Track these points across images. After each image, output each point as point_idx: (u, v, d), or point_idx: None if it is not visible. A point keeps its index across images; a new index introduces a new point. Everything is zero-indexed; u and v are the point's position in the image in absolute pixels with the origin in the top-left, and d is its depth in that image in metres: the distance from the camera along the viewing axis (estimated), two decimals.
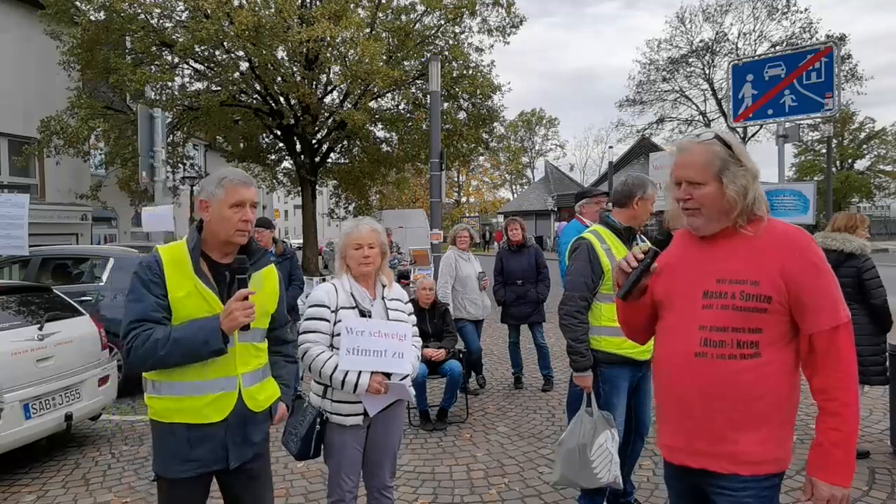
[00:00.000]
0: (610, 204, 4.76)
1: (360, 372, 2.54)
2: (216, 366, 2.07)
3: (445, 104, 17.35)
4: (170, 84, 16.29)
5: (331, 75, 18.05)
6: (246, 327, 2.03)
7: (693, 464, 1.76)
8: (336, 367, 2.54)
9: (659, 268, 1.83)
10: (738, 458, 1.67)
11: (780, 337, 1.67)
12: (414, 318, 2.85)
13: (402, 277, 11.80)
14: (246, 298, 1.99)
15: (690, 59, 35.44)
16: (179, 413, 2.08)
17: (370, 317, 2.64)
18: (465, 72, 17.87)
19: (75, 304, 5.12)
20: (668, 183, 1.83)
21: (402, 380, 2.64)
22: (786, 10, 32.59)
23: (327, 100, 18.73)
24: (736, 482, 1.68)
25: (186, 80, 17.94)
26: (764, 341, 1.65)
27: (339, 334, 2.58)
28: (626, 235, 3.15)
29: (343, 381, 2.53)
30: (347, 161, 21.54)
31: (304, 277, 6.92)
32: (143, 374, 2.14)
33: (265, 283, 2.25)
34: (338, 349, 2.58)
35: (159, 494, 2.20)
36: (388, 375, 2.61)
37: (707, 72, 35.16)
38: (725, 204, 1.69)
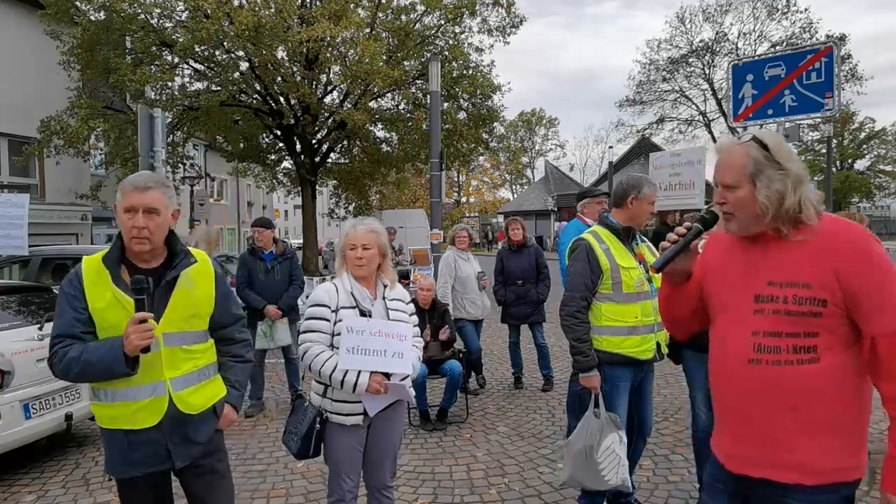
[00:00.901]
0: (607, 204, 4.80)
1: (359, 372, 2.54)
2: (143, 372, 2.05)
3: (445, 104, 17.34)
4: (170, 84, 16.28)
5: (331, 75, 18.05)
6: (146, 349, 1.97)
7: (754, 473, 1.67)
8: (336, 367, 2.54)
9: (707, 269, 1.76)
10: (802, 467, 1.59)
11: (839, 341, 1.58)
12: (416, 319, 2.85)
13: (403, 277, 11.80)
14: (144, 321, 1.94)
15: (690, 59, 35.45)
16: (115, 419, 2.11)
17: (370, 317, 2.64)
18: (465, 72, 17.86)
19: None
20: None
21: (402, 380, 2.64)
22: (786, 10, 32.62)
23: (327, 100, 18.72)
24: (801, 493, 1.59)
25: (186, 80, 17.94)
26: (822, 346, 1.57)
27: (339, 334, 2.58)
28: (625, 235, 3.15)
29: (343, 381, 2.53)
30: (347, 161, 21.54)
31: (304, 277, 6.93)
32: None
33: (197, 283, 2.19)
34: (338, 349, 2.58)
35: (118, 491, 2.27)
36: (387, 376, 2.60)
37: (707, 72, 35.18)
38: (757, 209, 1.61)
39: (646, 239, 3.39)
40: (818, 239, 1.60)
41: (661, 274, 1.83)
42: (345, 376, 2.52)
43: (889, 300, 1.53)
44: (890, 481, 1.53)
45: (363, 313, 2.64)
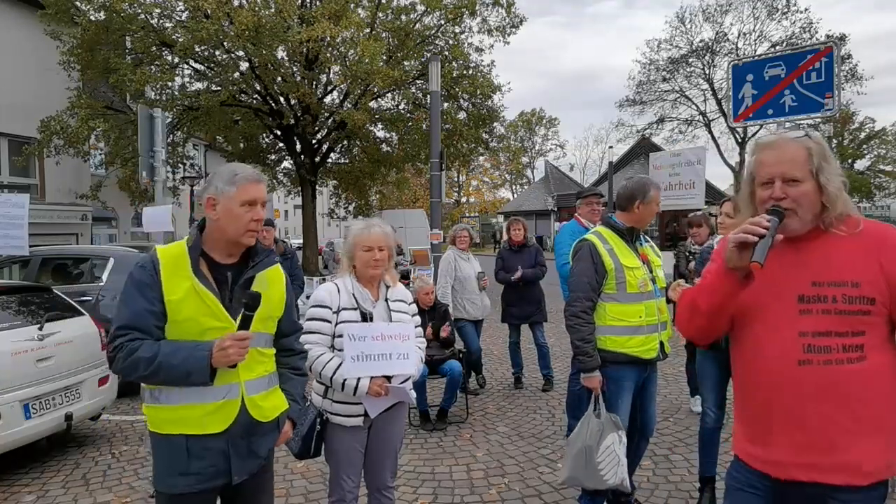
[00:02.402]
0: (603, 202, 4.80)
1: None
2: (220, 372, 1.94)
3: (445, 104, 17.35)
4: (170, 84, 16.29)
5: (331, 75, 18.06)
6: (233, 366, 1.91)
7: (804, 477, 1.63)
8: (336, 370, 2.53)
9: None
10: (854, 467, 1.58)
11: (883, 338, 1.61)
12: (418, 319, 2.84)
13: (403, 277, 11.80)
14: (246, 339, 1.88)
15: (690, 59, 35.40)
16: (178, 423, 1.95)
17: (371, 319, 2.63)
18: (465, 72, 17.88)
19: (75, 305, 5.11)
20: (745, 185, 1.73)
21: (403, 382, 2.64)
22: (786, 10, 32.55)
23: (327, 100, 18.73)
24: (849, 493, 1.60)
25: (186, 80, 17.96)
26: (868, 344, 1.58)
27: (339, 336, 2.58)
28: (629, 236, 3.16)
29: (343, 384, 2.52)
30: (347, 161, 21.55)
31: (304, 278, 6.92)
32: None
33: (271, 285, 2.12)
34: (339, 350, 2.58)
35: None
36: (388, 378, 2.60)
37: (707, 72, 35.12)
38: (821, 203, 1.61)
39: (650, 239, 3.39)
40: (862, 238, 1.61)
41: (739, 273, 1.67)
42: (346, 379, 2.52)
43: None
44: None
45: (364, 315, 2.63)
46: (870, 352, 1.58)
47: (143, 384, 2.04)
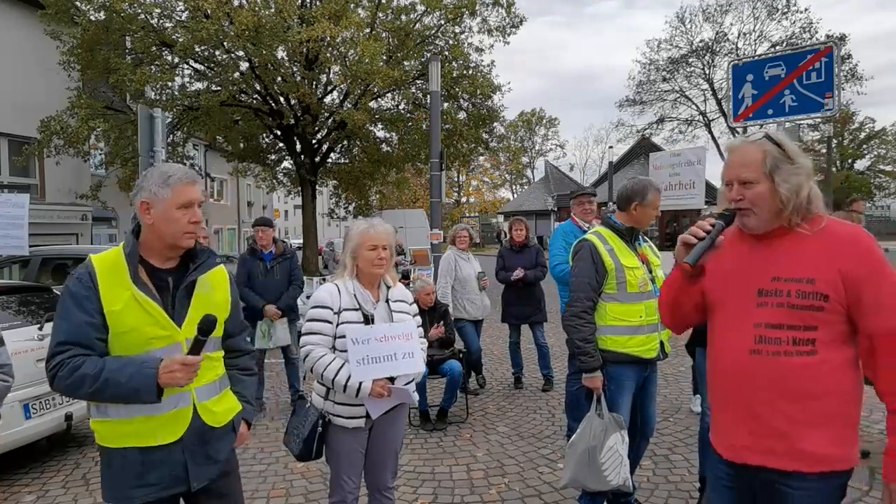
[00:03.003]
0: (594, 202, 4.79)
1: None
2: None
3: (445, 104, 17.34)
4: (170, 84, 16.27)
5: (331, 75, 18.05)
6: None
7: (753, 461, 1.74)
8: (338, 371, 2.52)
9: (712, 265, 1.80)
10: (801, 455, 1.66)
11: (837, 335, 1.66)
12: (419, 319, 2.84)
13: (403, 278, 11.80)
14: (195, 364, 1.82)
15: (690, 59, 35.39)
16: (130, 437, 1.89)
17: (373, 321, 2.62)
18: (465, 72, 17.87)
19: None
20: (720, 186, 1.82)
21: (407, 384, 2.63)
22: (786, 10, 32.55)
23: (327, 100, 18.72)
24: (799, 479, 1.67)
25: (186, 80, 17.94)
26: (821, 339, 1.64)
27: (341, 336, 2.57)
28: (629, 236, 3.17)
29: (346, 386, 2.51)
30: (347, 161, 21.54)
31: (304, 278, 6.92)
32: None
33: (214, 287, 2.07)
34: (340, 351, 2.57)
35: None
36: (391, 379, 2.59)
37: (707, 72, 35.12)
38: (778, 203, 1.68)
39: (648, 239, 3.40)
40: (824, 238, 1.68)
41: (688, 269, 1.82)
42: (348, 381, 2.51)
43: (888, 301, 1.61)
44: (890, 473, 1.61)
45: (366, 316, 2.62)
46: (821, 347, 1.64)
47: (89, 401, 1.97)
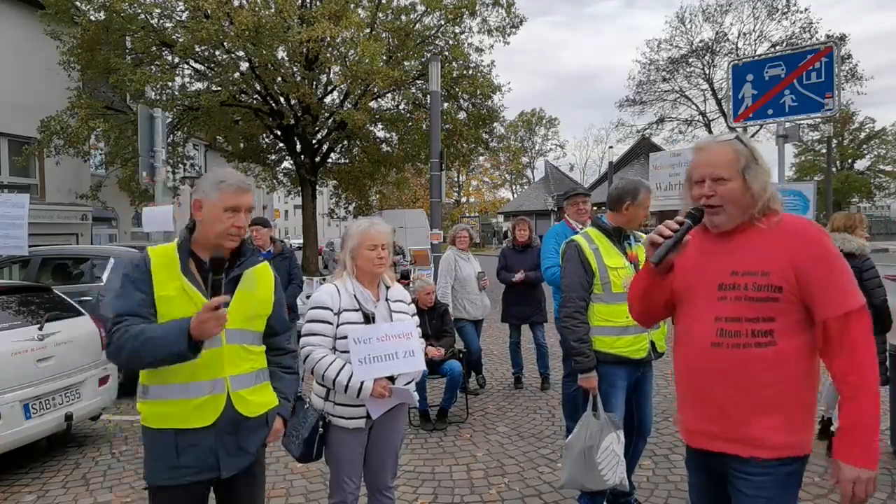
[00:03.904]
0: (588, 203, 4.78)
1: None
2: (204, 368, 2.01)
3: (445, 104, 17.35)
4: (170, 84, 16.28)
5: (331, 75, 18.07)
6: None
7: (712, 448, 1.82)
8: (339, 372, 2.52)
9: (678, 264, 1.87)
10: (757, 442, 1.73)
11: (794, 325, 1.73)
12: (417, 319, 2.84)
13: (403, 278, 11.79)
14: (218, 307, 1.87)
15: (690, 59, 35.40)
16: (167, 418, 2.02)
17: (374, 319, 2.62)
18: (465, 72, 17.88)
19: (75, 304, 5.11)
20: (685, 184, 1.89)
21: (407, 383, 2.64)
22: (786, 10, 32.55)
23: (327, 100, 18.74)
24: (755, 466, 1.73)
25: (186, 80, 17.95)
26: (778, 329, 1.71)
27: (342, 337, 2.56)
28: (617, 236, 3.17)
29: (347, 386, 2.51)
30: (347, 161, 21.55)
31: (304, 277, 6.92)
32: (140, 379, 2.09)
33: (258, 283, 2.19)
34: (341, 351, 2.57)
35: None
36: (392, 379, 2.60)
37: (707, 72, 35.13)
38: (749, 199, 1.76)
39: (641, 239, 3.38)
40: (778, 232, 1.77)
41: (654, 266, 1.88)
42: (349, 382, 2.50)
43: (838, 288, 1.70)
44: (838, 449, 1.69)
45: (367, 316, 2.62)
46: (780, 337, 1.72)
47: (139, 381, 2.09)
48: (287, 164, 21.88)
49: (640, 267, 3.14)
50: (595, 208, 4.87)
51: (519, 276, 6.05)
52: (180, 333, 1.87)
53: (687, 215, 1.82)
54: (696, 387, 1.86)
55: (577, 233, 3.97)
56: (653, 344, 3.14)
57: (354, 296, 2.63)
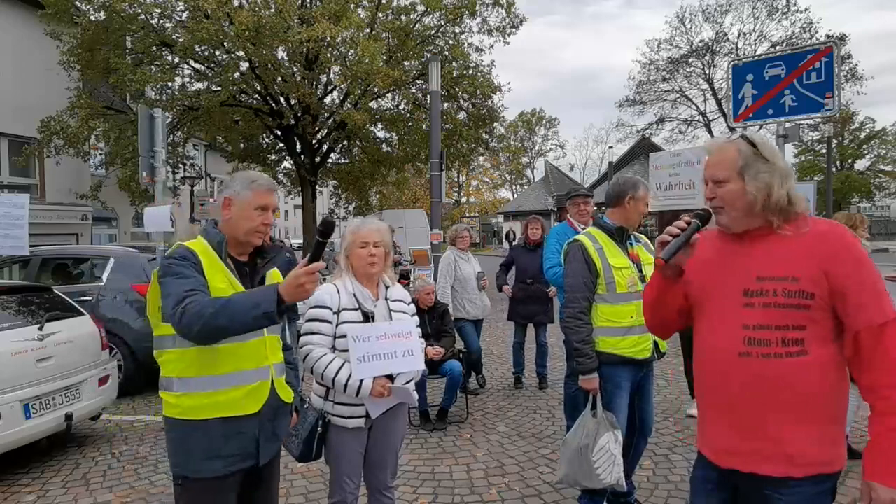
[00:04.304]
0: (590, 203, 4.77)
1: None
2: (251, 356, 2.10)
3: (445, 104, 17.34)
4: (170, 84, 16.27)
5: (331, 75, 18.04)
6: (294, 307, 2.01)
7: (743, 467, 1.71)
8: (339, 371, 2.52)
9: (692, 267, 1.81)
10: (792, 459, 1.63)
11: (826, 333, 1.64)
12: (416, 319, 2.84)
13: (402, 278, 11.80)
14: (316, 270, 1.87)
15: (690, 59, 35.39)
16: (215, 407, 2.04)
17: (373, 318, 2.62)
18: (465, 72, 17.86)
19: (75, 304, 5.11)
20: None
21: (407, 383, 2.64)
22: (786, 10, 32.56)
23: (327, 100, 18.71)
24: (790, 484, 1.64)
25: (186, 80, 17.93)
26: (809, 338, 1.62)
27: (341, 336, 2.56)
28: (619, 235, 3.17)
29: (346, 385, 2.51)
30: (347, 161, 21.53)
31: None
32: (165, 373, 2.09)
33: (276, 279, 2.26)
34: (340, 351, 2.57)
35: (184, 498, 2.11)
36: (391, 378, 2.60)
37: (707, 72, 35.13)
38: (747, 201, 1.68)
39: (641, 239, 3.38)
40: (807, 237, 1.68)
41: (660, 270, 1.85)
42: (348, 380, 2.51)
43: (871, 297, 1.60)
44: (872, 469, 1.57)
45: (366, 315, 2.62)
46: (811, 346, 1.63)
47: (167, 375, 2.09)
48: (287, 164, 21.85)
49: (643, 266, 3.16)
50: (595, 209, 4.86)
51: (506, 290, 6.37)
52: (271, 295, 1.84)
53: (696, 215, 1.78)
54: (723, 400, 1.74)
55: (579, 233, 3.96)
56: (656, 344, 3.14)
57: (354, 295, 2.63)
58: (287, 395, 2.27)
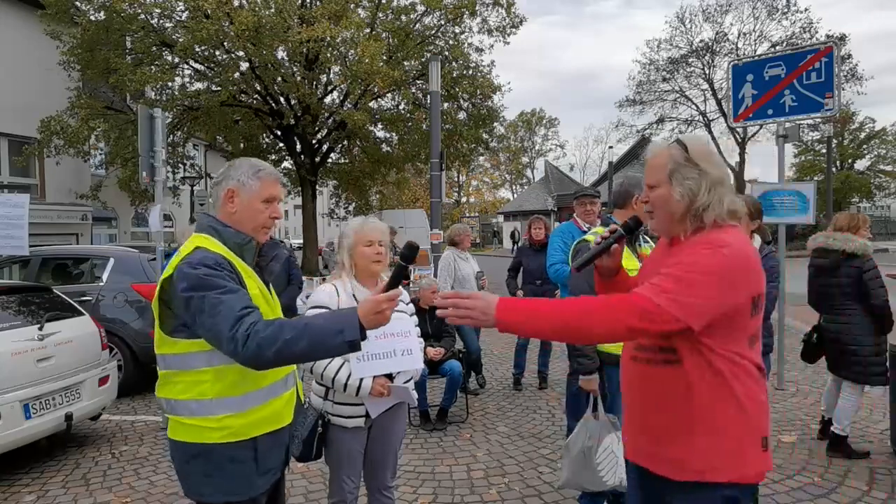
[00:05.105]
0: (597, 203, 4.76)
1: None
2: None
3: (445, 104, 17.35)
4: (170, 84, 16.30)
5: (331, 75, 18.06)
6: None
7: (640, 462, 1.78)
8: (338, 370, 2.52)
9: (642, 269, 1.88)
10: (672, 462, 1.65)
11: (699, 344, 1.59)
12: (415, 318, 2.84)
13: (403, 278, 11.79)
14: (396, 297, 1.73)
15: (690, 59, 35.38)
16: (263, 422, 1.90)
17: None
18: (465, 72, 17.89)
19: (75, 304, 5.11)
20: None
21: (406, 382, 2.64)
22: (786, 10, 32.54)
23: (327, 100, 18.73)
24: (674, 487, 1.65)
25: (186, 80, 17.97)
26: (682, 347, 1.61)
27: None
28: (629, 236, 3.15)
29: (346, 385, 2.52)
30: (347, 161, 21.56)
31: (304, 278, 6.92)
32: (191, 396, 1.83)
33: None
34: None
35: None
36: (391, 378, 2.60)
37: (707, 72, 35.11)
38: (674, 206, 1.66)
39: (650, 239, 3.38)
40: (688, 244, 1.66)
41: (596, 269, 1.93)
42: (348, 380, 2.51)
43: (663, 278, 1.56)
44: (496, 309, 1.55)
45: None
46: (683, 355, 1.62)
47: (195, 397, 1.84)
48: (287, 164, 21.86)
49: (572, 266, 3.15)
50: (604, 208, 4.84)
51: (521, 295, 6.26)
52: (353, 320, 1.65)
53: (624, 223, 1.84)
54: (626, 399, 1.85)
55: (585, 233, 3.95)
56: None
57: (353, 295, 2.63)
58: (301, 394, 2.21)
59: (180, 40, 15.14)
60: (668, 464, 1.66)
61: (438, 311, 1.59)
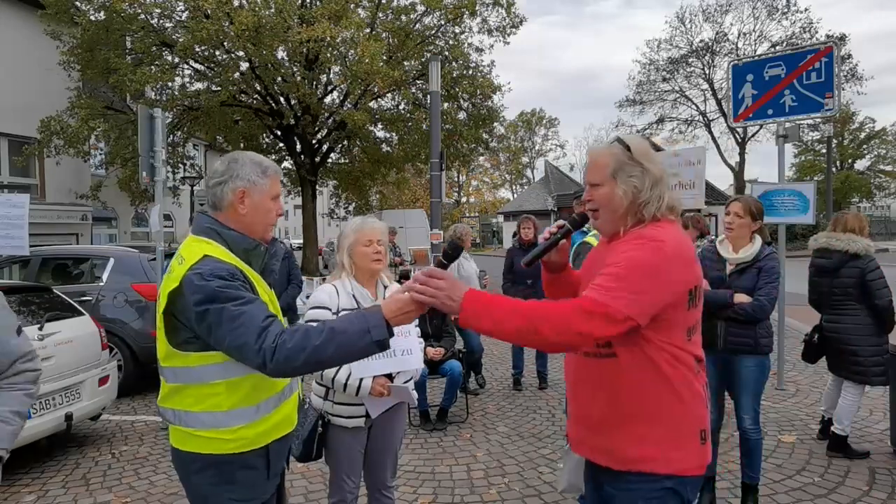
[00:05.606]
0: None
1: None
2: None
3: (445, 104, 17.35)
4: (170, 84, 16.30)
5: (331, 75, 18.07)
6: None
7: (582, 453, 1.83)
8: (338, 371, 2.52)
9: (585, 268, 1.91)
10: (611, 453, 1.69)
11: (635, 337, 1.61)
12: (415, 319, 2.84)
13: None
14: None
15: (690, 59, 35.42)
16: (275, 429, 1.87)
17: None
18: (465, 72, 17.89)
19: (75, 304, 5.11)
20: None
21: (406, 382, 2.64)
22: (786, 10, 32.58)
23: (327, 100, 18.74)
24: (615, 476, 1.69)
25: (186, 80, 17.97)
26: (617, 341, 1.62)
27: None
28: None
29: (346, 385, 2.52)
30: (347, 161, 21.56)
31: (304, 278, 6.92)
32: (203, 408, 1.76)
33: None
34: None
35: None
36: (391, 378, 2.60)
37: (707, 72, 35.14)
38: (617, 205, 1.70)
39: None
40: (628, 240, 1.67)
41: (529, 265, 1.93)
42: (348, 380, 2.51)
43: (606, 276, 1.57)
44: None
45: None
46: (619, 349, 1.65)
47: (203, 409, 1.78)
48: (287, 164, 21.87)
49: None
50: None
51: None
52: (379, 320, 1.59)
53: (569, 219, 1.85)
54: (569, 392, 1.89)
55: (583, 234, 3.95)
56: None
57: (353, 295, 2.63)
58: (301, 394, 2.19)
59: (180, 40, 15.14)
60: (606, 454, 1.71)
61: (404, 283, 1.59)
